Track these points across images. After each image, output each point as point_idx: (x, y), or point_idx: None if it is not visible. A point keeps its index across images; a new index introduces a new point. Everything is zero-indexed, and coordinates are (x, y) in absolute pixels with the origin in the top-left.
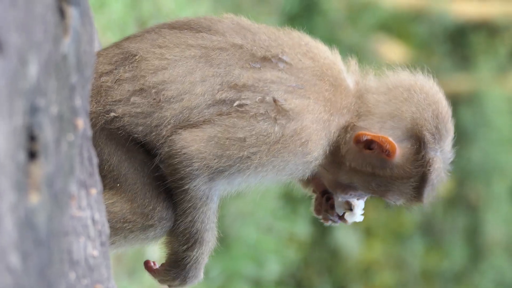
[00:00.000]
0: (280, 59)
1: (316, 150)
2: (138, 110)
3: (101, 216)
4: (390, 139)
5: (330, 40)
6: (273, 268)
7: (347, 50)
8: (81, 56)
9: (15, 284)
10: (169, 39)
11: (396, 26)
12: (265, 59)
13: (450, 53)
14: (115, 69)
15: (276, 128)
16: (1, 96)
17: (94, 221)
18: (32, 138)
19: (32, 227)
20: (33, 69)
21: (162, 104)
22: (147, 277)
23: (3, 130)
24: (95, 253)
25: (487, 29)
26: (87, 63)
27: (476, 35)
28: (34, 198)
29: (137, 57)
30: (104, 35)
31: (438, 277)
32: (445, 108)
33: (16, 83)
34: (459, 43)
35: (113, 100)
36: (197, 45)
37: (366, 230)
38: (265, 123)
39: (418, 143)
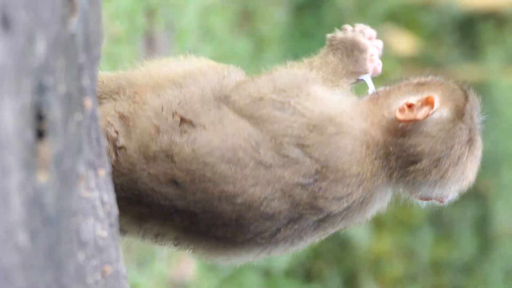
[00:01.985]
0: (323, 177)
1: None
2: None
3: (109, 197)
4: None
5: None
6: (282, 258)
7: None
8: (89, 36)
9: (23, 262)
10: (229, 122)
11: (405, 16)
12: (315, 173)
13: (458, 43)
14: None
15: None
16: (9, 73)
17: (102, 202)
18: (40, 117)
19: (40, 206)
20: (41, 47)
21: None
22: (157, 267)
23: (11, 108)
24: (104, 234)
25: (496, 19)
26: (95, 43)
27: (485, 25)
28: (42, 177)
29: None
30: (113, 24)
31: (447, 267)
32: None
33: (24, 61)
34: (468, 33)
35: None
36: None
37: (376, 221)
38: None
39: None
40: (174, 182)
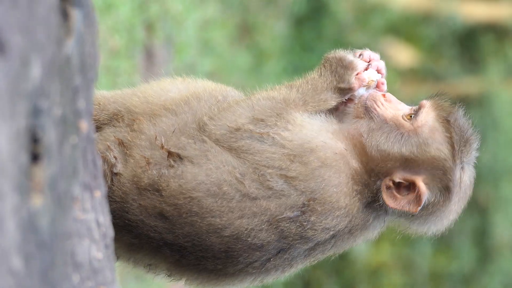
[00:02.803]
0: (311, 210)
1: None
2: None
3: (105, 219)
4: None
5: (338, 43)
6: None
7: None
8: (85, 58)
9: (18, 286)
10: (213, 155)
11: (405, 28)
12: (302, 206)
13: (459, 56)
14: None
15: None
16: (3, 97)
17: (98, 223)
18: (35, 140)
19: (35, 229)
20: (35, 71)
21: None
22: (156, 280)
23: (5, 132)
24: (99, 255)
25: (496, 31)
26: (91, 65)
27: (485, 37)
28: (37, 201)
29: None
30: (112, 37)
31: (446, 279)
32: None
33: (19, 84)
34: (468, 45)
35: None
36: (241, 192)
37: None
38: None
39: None
40: (162, 215)
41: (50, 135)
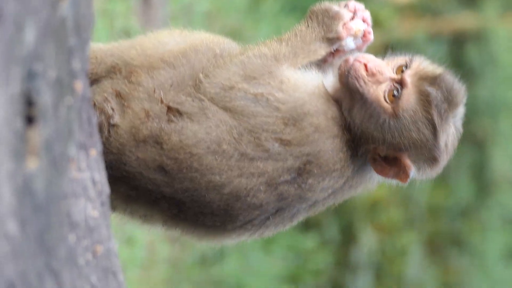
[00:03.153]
0: (308, 172)
1: None
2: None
3: (101, 176)
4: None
5: None
6: None
7: None
8: (80, 19)
9: (14, 251)
10: (212, 113)
11: None
12: (299, 169)
13: None
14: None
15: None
16: None
17: (94, 181)
18: (30, 103)
19: (30, 193)
20: (30, 35)
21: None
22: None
23: (0, 98)
24: (95, 213)
25: None
26: (86, 26)
27: None
28: (32, 164)
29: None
30: None
31: (444, 213)
32: None
33: (13, 50)
34: None
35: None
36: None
37: None
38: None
39: None
40: (162, 169)
41: (45, 98)
